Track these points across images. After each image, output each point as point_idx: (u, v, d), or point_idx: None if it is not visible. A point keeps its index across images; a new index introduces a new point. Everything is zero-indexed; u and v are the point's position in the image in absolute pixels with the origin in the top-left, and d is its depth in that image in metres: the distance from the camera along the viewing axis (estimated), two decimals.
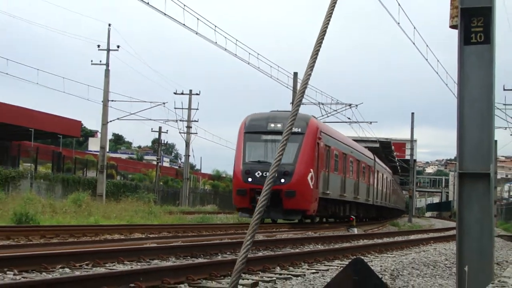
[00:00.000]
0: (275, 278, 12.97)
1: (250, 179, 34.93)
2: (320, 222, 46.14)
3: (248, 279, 12.03)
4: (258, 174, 34.72)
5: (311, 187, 35.70)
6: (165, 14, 29.33)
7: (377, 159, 63.90)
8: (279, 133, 33.90)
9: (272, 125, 36.12)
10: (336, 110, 59.26)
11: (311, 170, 35.35)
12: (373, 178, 59.47)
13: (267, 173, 27.90)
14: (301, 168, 35.11)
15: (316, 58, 3.92)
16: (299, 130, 35.17)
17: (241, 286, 11.32)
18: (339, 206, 46.27)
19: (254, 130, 36.94)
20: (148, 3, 26.05)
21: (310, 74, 4.02)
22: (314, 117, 40.53)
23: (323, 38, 3.95)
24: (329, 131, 42.46)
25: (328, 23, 4.05)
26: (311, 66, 3.98)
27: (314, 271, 14.98)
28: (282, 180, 33.81)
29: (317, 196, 36.91)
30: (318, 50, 3.92)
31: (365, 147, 61.16)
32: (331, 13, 3.97)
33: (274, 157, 30.06)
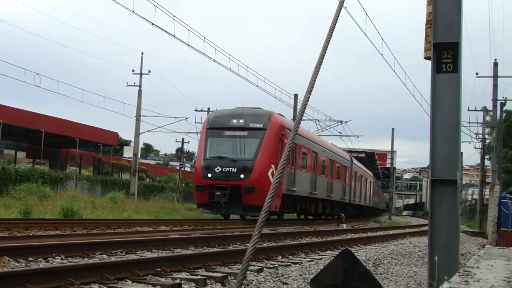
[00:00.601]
0: (277, 265, 12.98)
1: (209, 175, 30.34)
2: (298, 219, 42.51)
3: (254, 266, 12.03)
4: (218, 169, 30.28)
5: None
6: (188, 44, 29.55)
7: (355, 161, 58.75)
8: (241, 129, 31.14)
9: (235, 121, 31.42)
10: (329, 126, 59.23)
11: (272, 166, 30.10)
12: (350, 178, 53.81)
13: (227, 169, 32.49)
14: (261, 163, 30.36)
15: (313, 84, 3.99)
16: (261, 126, 31.06)
17: (249, 272, 11.34)
18: (309, 203, 40.96)
19: (216, 126, 32.18)
20: (174, 35, 26.10)
21: (308, 97, 4.07)
22: (281, 115, 35.36)
23: (319, 68, 4.01)
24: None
25: (324, 54, 4.11)
26: (309, 91, 4.03)
27: (309, 259, 14.98)
28: (242, 176, 29.83)
29: (280, 193, 31.19)
30: (316, 77, 3.98)
31: (355, 157, 60.96)
32: (327, 46, 4.04)
33: (235, 153, 33.49)
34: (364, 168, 67.12)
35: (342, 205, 50.75)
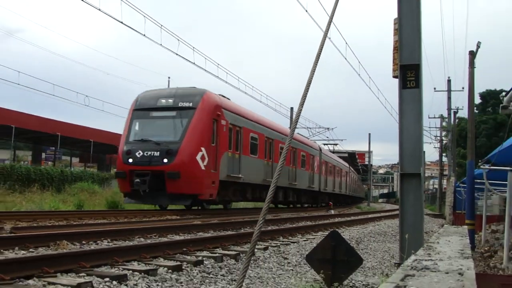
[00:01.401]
0: (279, 244, 12.97)
1: (130, 160, 22.14)
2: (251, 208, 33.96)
3: (261, 245, 12.01)
4: (139, 154, 22.00)
5: (202, 168, 22.15)
6: (205, 70, 29.24)
7: (327, 152, 50.90)
8: (169, 109, 23.05)
9: (163, 101, 23.37)
10: (318, 132, 59.24)
11: (203, 149, 22.21)
12: (320, 168, 44.08)
13: (150, 153, 22.23)
14: (188, 146, 21.93)
15: (304, 99, 3.97)
16: (190, 105, 22.79)
17: (257, 250, 11.33)
18: (265, 191, 28.12)
19: (143, 107, 23.68)
20: (194, 62, 26.12)
21: (301, 110, 4.06)
22: (223, 95, 26.18)
23: (309, 86, 4.00)
24: (240, 111, 27.19)
25: (312, 76, 4.10)
26: (301, 104, 4.02)
27: (305, 239, 14.96)
28: (165, 160, 21.66)
29: (215, 179, 23.29)
30: (306, 93, 3.96)
31: (340, 157, 60.72)
32: (314, 69, 4.03)
33: (161, 135, 22.97)
34: (339, 160, 58.70)
35: (312, 194, 42.85)
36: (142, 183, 21.39)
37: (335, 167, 52.82)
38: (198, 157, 21.92)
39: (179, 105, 22.79)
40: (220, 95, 25.65)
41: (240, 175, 26.01)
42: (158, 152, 21.79)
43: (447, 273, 4.54)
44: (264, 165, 29.94)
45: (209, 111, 22.97)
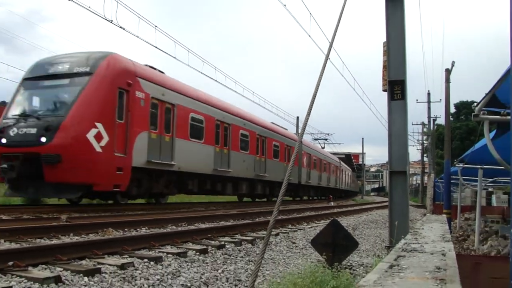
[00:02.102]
0: (288, 231, 12.96)
1: (3, 140, 14.37)
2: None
3: (273, 232, 11.99)
4: (13, 132, 14.35)
5: (98, 149, 14.40)
6: (215, 80, 28.38)
7: (310, 145, 42.85)
8: (62, 76, 15.17)
9: (59, 67, 15.39)
10: (320, 137, 58.97)
11: (99, 125, 14.48)
12: (301, 160, 35.68)
13: (24, 130, 14.04)
14: (75, 121, 14.22)
15: (311, 108, 3.98)
16: (87, 70, 15.00)
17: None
18: (218, 182, 23.12)
19: (34, 75, 15.81)
20: (216, 79, 25.98)
21: (307, 119, 4.06)
22: (151, 66, 18.24)
23: (314, 99, 4.00)
24: (173, 85, 18.70)
25: (317, 88, 4.10)
26: (308, 113, 4.02)
27: (310, 226, 14.93)
28: (43, 140, 13.88)
29: (123, 165, 15.31)
30: (312, 106, 3.97)
31: (339, 158, 59.71)
32: (318, 85, 4.04)
33: (47, 108, 14.35)
34: (328, 154, 50.57)
35: (290, 186, 32.88)
36: (9, 169, 13.99)
37: (322, 161, 44.19)
38: (90, 136, 14.19)
39: (74, 71, 15.12)
40: (148, 65, 17.95)
41: (172, 162, 18.05)
42: (35, 129, 14.15)
43: (432, 254, 4.54)
44: (215, 153, 21.69)
45: (113, 78, 15.07)
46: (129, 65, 16.13)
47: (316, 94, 4.06)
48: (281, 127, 34.65)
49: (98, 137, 14.40)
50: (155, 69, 18.28)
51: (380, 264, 3.75)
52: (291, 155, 32.19)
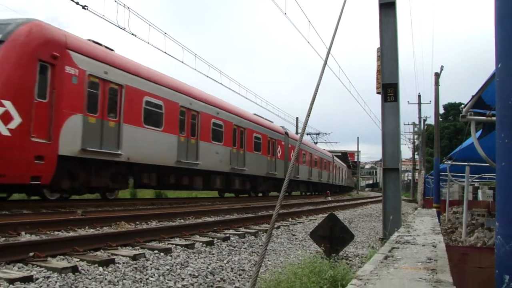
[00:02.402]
0: (289, 224, 12.95)
1: None
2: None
3: (275, 225, 12.01)
4: None
5: (5, 133, 10.69)
6: (230, 89, 28.47)
7: (307, 141, 39.77)
8: None
9: None
10: (318, 136, 58.88)
11: (7, 103, 10.69)
12: (287, 154, 31.46)
13: None
14: None
15: (311, 109, 3.96)
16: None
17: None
18: (182, 175, 19.81)
19: None
20: (221, 83, 25.95)
21: (307, 120, 4.05)
22: (94, 41, 14.81)
23: (314, 100, 3.99)
24: (122, 64, 15.28)
25: (317, 91, 4.09)
26: (308, 114, 4.01)
27: (309, 220, 14.92)
28: None
29: (46, 153, 11.76)
30: (312, 105, 3.95)
31: (336, 156, 59.29)
32: (317, 88, 4.02)
33: None
34: (319, 149, 45.86)
35: (274, 181, 30.19)
36: None
37: (312, 155, 40.26)
38: None
39: None
40: (92, 40, 14.62)
41: (119, 152, 14.63)
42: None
43: (423, 245, 4.53)
44: (179, 143, 18.22)
45: (32, 48, 11.77)
46: (57, 35, 12.67)
47: (314, 99, 4.04)
48: (268, 120, 30.32)
49: (6, 117, 10.89)
50: (101, 45, 14.85)
51: (376, 255, 3.74)
52: (275, 148, 29.62)
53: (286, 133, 32.32)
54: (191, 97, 19.33)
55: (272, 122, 31.20)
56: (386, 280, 2.84)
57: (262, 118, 29.32)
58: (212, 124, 21.11)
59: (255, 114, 28.34)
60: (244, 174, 24.97)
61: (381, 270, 3.16)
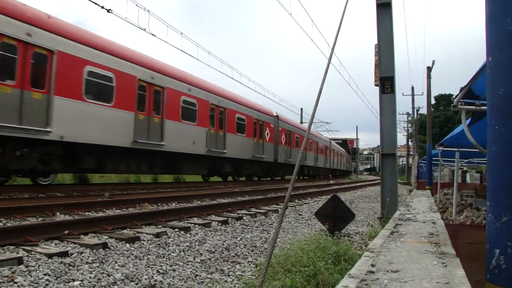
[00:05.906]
0: (295, 205, 12.98)
1: None
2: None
3: (281, 206, 12.05)
4: None
5: None
6: (240, 83, 27.65)
7: (290, 121, 32.38)
8: None
9: None
10: (320, 125, 58.54)
11: None
12: (278, 137, 27.71)
13: None
14: None
15: (318, 101, 3.96)
16: None
17: (280, 208, 11.34)
18: (143, 160, 16.02)
19: None
20: (232, 77, 25.78)
21: (315, 110, 4.04)
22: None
23: (320, 94, 3.98)
24: (52, 24, 11.13)
25: (322, 86, 4.08)
26: (316, 105, 4.00)
27: (313, 201, 14.93)
28: None
29: None
30: (318, 98, 3.95)
31: (337, 143, 58.76)
32: (323, 83, 4.01)
33: None
34: (315, 133, 41.70)
35: (263, 165, 26.67)
36: None
37: (308, 140, 33.17)
38: None
39: None
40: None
41: (48, 129, 11.15)
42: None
43: (424, 222, 4.55)
44: (136, 121, 14.54)
45: None
46: None
47: (320, 95, 4.04)
48: (258, 105, 25.94)
49: None
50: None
51: (383, 231, 3.76)
52: (263, 130, 25.62)
53: (277, 116, 28.27)
54: (152, 70, 15.51)
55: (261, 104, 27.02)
56: (396, 252, 2.86)
57: (248, 99, 24.70)
58: (182, 102, 17.41)
59: (242, 96, 24.16)
60: (224, 157, 21.11)
61: (389, 243, 3.19)
